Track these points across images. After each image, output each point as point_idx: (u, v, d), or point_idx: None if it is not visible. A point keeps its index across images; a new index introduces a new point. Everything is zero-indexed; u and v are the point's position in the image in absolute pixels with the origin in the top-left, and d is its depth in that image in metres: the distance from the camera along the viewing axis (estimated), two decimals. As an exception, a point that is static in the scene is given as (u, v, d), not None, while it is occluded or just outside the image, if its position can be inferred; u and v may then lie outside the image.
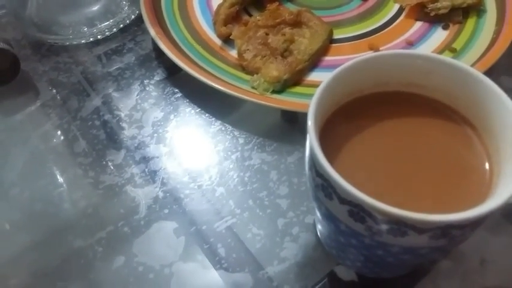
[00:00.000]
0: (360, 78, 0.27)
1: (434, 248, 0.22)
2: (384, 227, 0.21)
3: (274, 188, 0.35)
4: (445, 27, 0.44)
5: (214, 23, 0.44)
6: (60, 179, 0.36)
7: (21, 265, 0.32)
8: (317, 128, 0.24)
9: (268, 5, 0.44)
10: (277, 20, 0.42)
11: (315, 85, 0.39)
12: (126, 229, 0.33)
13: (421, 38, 0.43)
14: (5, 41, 0.41)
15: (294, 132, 0.39)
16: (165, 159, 0.37)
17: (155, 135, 0.38)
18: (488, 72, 0.37)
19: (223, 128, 0.39)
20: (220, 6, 0.45)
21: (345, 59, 0.26)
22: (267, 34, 0.42)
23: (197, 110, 0.40)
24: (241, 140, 0.38)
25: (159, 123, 0.39)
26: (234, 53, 0.42)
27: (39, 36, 0.46)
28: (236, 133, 0.38)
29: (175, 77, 0.43)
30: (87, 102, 0.41)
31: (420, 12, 0.44)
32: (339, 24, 0.45)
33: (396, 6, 0.46)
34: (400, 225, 0.21)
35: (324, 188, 0.23)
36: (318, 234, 0.32)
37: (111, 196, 0.35)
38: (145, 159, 0.37)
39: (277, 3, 0.44)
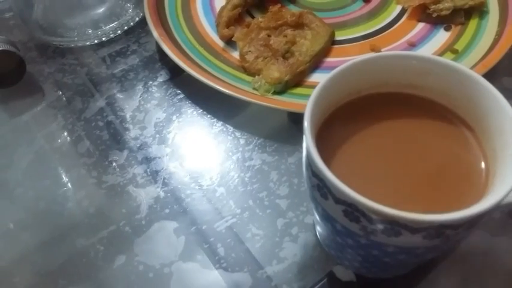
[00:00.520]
0: (357, 79, 0.27)
1: (430, 248, 0.23)
2: (378, 226, 0.21)
3: (274, 188, 0.35)
4: (447, 29, 0.44)
5: (217, 25, 0.45)
6: (64, 179, 0.37)
7: (25, 263, 0.33)
8: (313, 129, 0.24)
9: (270, 7, 0.44)
10: (279, 22, 0.43)
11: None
12: (127, 228, 0.33)
13: (423, 39, 0.43)
14: (11, 43, 0.42)
15: (295, 133, 0.39)
16: (167, 160, 0.37)
17: (157, 136, 0.39)
18: (490, 73, 0.37)
19: (224, 129, 0.39)
20: (222, 8, 0.45)
21: (346, 61, 0.26)
22: (268, 36, 0.42)
23: (199, 111, 0.40)
24: (242, 141, 0.38)
25: (161, 124, 0.40)
26: (236, 54, 0.43)
27: (45, 39, 0.47)
28: (237, 134, 0.38)
29: (178, 78, 0.43)
30: (92, 103, 0.42)
31: (422, 14, 0.44)
32: (341, 25, 0.45)
33: (398, 8, 0.46)
34: (393, 225, 0.21)
35: (320, 187, 0.23)
36: (317, 234, 0.32)
37: (113, 196, 0.35)
38: (148, 160, 0.37)
39: (279, 5, 0.44)
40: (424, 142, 0.27)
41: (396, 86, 0.28)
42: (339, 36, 0.44)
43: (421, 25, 0.44)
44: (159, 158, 0.37)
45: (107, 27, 0.47)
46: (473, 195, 0.24)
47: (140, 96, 0.42)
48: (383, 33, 0.44)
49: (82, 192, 0.36)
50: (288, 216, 0.33)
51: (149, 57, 0.45)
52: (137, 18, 0.48)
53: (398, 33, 0.44)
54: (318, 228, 0.30)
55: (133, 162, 0.37)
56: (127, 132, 0.39)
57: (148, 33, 0.46)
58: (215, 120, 0.40)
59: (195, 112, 0.40)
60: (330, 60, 0.42)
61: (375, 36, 0.44)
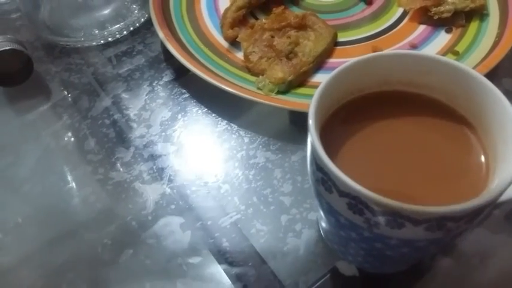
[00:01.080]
0: (360, 78, 0.28)
1: (431, 241, 0.23)
2: (381, 218, 0.22)
3: (278, 185, 0.36)
4: (448, 31, 0.44)
5: (222, 26, 0.45)
6: (71, 176, 0.38)
7: (32, 258, 0.33)
8: (318, 125, 0.25)
9: (274, 9, 0.45)
10: (283, 23, 0.43)
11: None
12: (134, 224, 0.34)
13: (425, 41, 0.44)
14: (19, 42, 0.43)
15: (298, 132, 0.40)
16: (173, 157, 0.38)
17: (163, 134, 0.39)
18: (490, 75, 0.38)
19: (229, 128, 0.40)
20: (227, 9, 0.46)
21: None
22: (272, 37, 0.43)
23: (204, 110, 0.41)
24: (246, 139, 0.39)
25: (167, 123, 0.40)
26: (240, 55, 0.44)
27: (52, 39, 0.48)
28: (241, 132, 0.39)
29: (183, 78, 0.44)
30: (98, 102, 0.42)
31: (424, 16, 0.45)
32: (343, 27, 0.46)
33: (400, 10, 0.47)
34: (396, 217, 0.21)
35: (324, 181, 0.23)
36: (321, 230, 0.32)
37: (119, 192, 0.36)
38: (153, 157, 0.38)
39: (282, 7, 0.45)
40: (425, 138, 0.27)
41: (398, 85, 0.29)
42: (342, 37, 0.45)
43: (422, 27, 0.45)
44: (165, 155, 0.38)
45: (113, 27, 0.48)
46: (473, 190, 0.24)
47: (146, 96, 0.42)
48: (385, 35, 0.45)
49: (89, 188, 0.36)
50: (292, 213, 0.34)
51: (154, 57, 0.46)
52: (143, 19, 0.49)
53: (400, 35, 0.45)
54: (322, 224, 0.31)
55: (139, 159, 0.38)
56: (133, 130, 0.40)
57: (154, 34, 0.47)
58: (220, 119, 0.40)
59: (200, 111, 0.41)
60: (332, 61, 0.43)
61: (376, 38, 0.45)
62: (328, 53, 0.43)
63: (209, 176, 0.36)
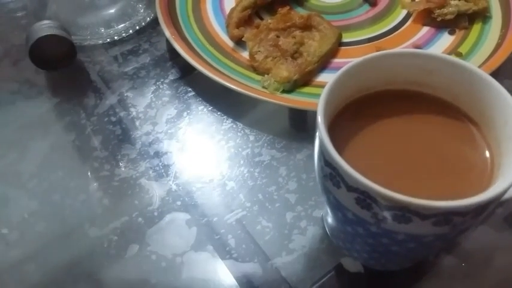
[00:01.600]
0: (366, 76, 0.28)
1: (438, 236, 0.24)
2: (389, 213, 0.22)
3: (283, 183, 0.36)
4: (451, 33, 0.45)
5: (227, 26, 0.46)
6: (77, 172, 0.38)
7: (39, 253, 0.34)
8: (326, 122, 0.25)
9: (279, 9, 0.45)
10: (288, 24, 0.44)
11: (324, 86, 0.39)
12: (140, 219, 0.34)
13: (428, 42, 0.44)
14: (63, 28, 0.44)
15: (303, 131, 0.40)
16: (178, 154, 0.38)
17: (169, 131, 0.40)
18: (493, 76, 0.38)
19: (234, 126, 0.40)
20: (233, 9, 0.47)
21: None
22: (277, 36, 0.43)
23: (209, 109, 0.41)
24: (251, 137, 0.39)
25: (172, 121, 0.41)
26: (245, 54, 0.44)
27: (58, 37, 0.48)
28: (247, 131, 0.39)
29: (188, 77, 0.44)
30: (104, 99, 0.43)
31: (427, 18, 0.46)
32: (348, 28, 0.46)
33: (404, 12, 0.48)
34: (404, 211, 0.22)
35: (332, 176, 0.24)
36: (326, 227, 0.33)
37: (126, 188, 0.36)
38: (159, 154, 0.38)
39: (288, 8, 0.45)
40: (430, 136, 0.28)
41: (403, 83, 0.29)
42: (346, 38, 0.45)
43: (425, 29, 0.45)
44: (171, 152, 0.38)
45: (119, 26, 0.48)
46: (478, 186, 0.25)
47: (152, 94, 0.43)
48: (389, 36, 0.45)
49: (95, 184, 0.37)
50: (297, 210, 0.34)
51: (160, 56, 0.46)
52: (148, 19, 0.49)
53: (404, 37, 0.45)
54: (328, 220, 0.31)
55: (145, 156, 0.38)
56: (139, 128, 0.40)
57: (160, 33, 0.47)
58: (225, 117, 0.41)
59: (205, 109, 0.41)
60: (337, 61, 0.43)
61: (380, 39, 0.45)
62: (332, 53, 0.43)
63: (214, 173, 0.37)
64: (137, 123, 0.41)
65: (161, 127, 0.40)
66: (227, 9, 0.48)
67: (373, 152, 0.27)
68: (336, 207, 0.26)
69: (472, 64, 0.37)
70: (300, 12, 0.47)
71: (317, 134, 0.25)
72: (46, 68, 0.44)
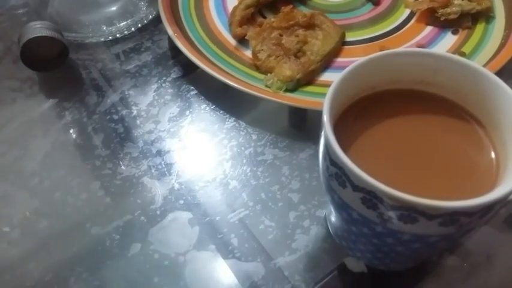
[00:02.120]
0: (372, 76, 0.28)
1: (443, 236, 0.23)
2: (395, 213, 0.22)
3: (286, 182, 0.36)
4: (454, 32, 0.45)
5: (230, 24, 0.46)
6: (79, 170, 0.38)
7: (41, 251, 0.33)
8: (331, 121, 0.25)
9: (282, 8, 0.45)
10: (291, 22, 0.44)
11: (327, 85, 0.40)
12: (142, 218, 0.34)
13: (432, 41, 0.44)
14: (56, 30, 0.43)
15: (306, 131, 0.40)
16: (181, 153, 0.38)
17: (171, 130, 0.40)
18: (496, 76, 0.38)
19: (237, 125, 0.40)
20: (235, 8, 0.46)
21: (356, 61, 0.27)
22: (280, 35, 0.43)
23: (212, 107, 0.41)
24: (254, 136, 0.39)
25: (175, 119, 0.40)
26: (248, 53, 0.44)
27: (60, 34, 0.48)
28: (249, 130, 0.39)
29: (191, 75, 0.44)
30: (106, 97, 0.42)
31: (430, 17, 0.46)
32: (351, 27, 0.46)
33: (407, 11, 0.47)
34: (410, 212, 0.22)
35: (338, 176, 0.24)
36: (329, 227, 0.33)
37: (128, 187, 0.36)
38: (162, 153, 0.38)
39: (291, 6, 0.45)
40: (436, 136, 0.27)
41: (409, 83, 0.29)
42: (349, 37, 0.45)
43: (429, 28, 0.45)
44: (173, 151, 0.38)
45: (121, 24, 0.48)
46: (484, 187, 0.24)
47: (154, 92, 0.43)
48: (392, 36, 0.45)
49: (97, 182, 0.37)
50: (300, 210, 0.34)
51: (162, 54, 0.46)
52: (150, 16, 0.49)
53: (407, 36, 0.45)
54: (331, 220, 0.31)
55: (148, 154, 0.38)
56: (141, 126, 0.40)
57: (162, 31, 0.47)
58: (227, 116, 0.40)
59: (207, 108, 0.41)
60: (340, 60, 0.43)
61: (384, 38, 0.45)
62: (336, 52, 0.43)
63: (217, 172, 0.37)
64: (139, 121, 0.40)
65: (163, 125, 0.40)
66: (230, 8, 0.48)
67: (377, 151, 0.27)
68: (341, 206, 0.25)
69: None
70: (303, 10, 0.47)
71: (322, 133, 0.25)
72: (39, 69, 0.44)
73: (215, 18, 0.47)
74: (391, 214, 0.22)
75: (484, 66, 0.40)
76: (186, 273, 0.32)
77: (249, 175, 0.36)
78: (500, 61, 0.40)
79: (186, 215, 0.34)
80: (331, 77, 0.41)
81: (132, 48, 0.47)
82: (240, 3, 0.47)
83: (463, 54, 0.42)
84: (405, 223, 0.22)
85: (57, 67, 0.44)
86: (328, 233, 0.33)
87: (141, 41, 0.47)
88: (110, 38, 0.47)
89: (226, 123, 0.40)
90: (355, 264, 0.31)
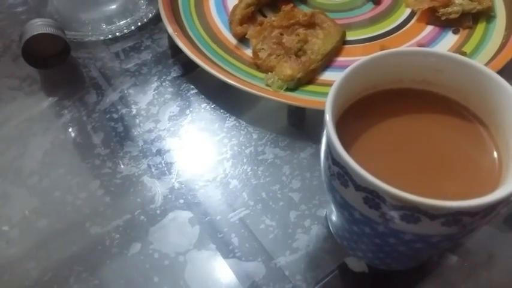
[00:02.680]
0: (374, 75, 0.28)
1: (446, 236, 0.23)
2: (398, 213, 0.22)
3: (286, 181, 0.36)
4: (455, 32, 0.45)
5: (230, 23, 0.45)
6: (79, 169, 0.38)
7: (40, 250, 0.33)
8: (334, 120, 0.25)
9: (282, 7, 0.45)
10: (292, 21, 0.43)
11: (328, 84, 0.40)
12: (142, 217, 0.34)
13: (432, 41, 0.44)
14: (57, 27, 0.43)
15: (305, 130, 0.40)
16: (181, 152, 0.38)
17: (171, 129, 0.39)
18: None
19: (237, 124, 0.40)
20: (236, 6, 0.46)
21: (357, 60, 0.27)
22: (281, 34, 0.43)
23: (212, 106, 0.41)
24: (254, 136, 0.39)
25: (175, 118, 0.40)
26: (248, 51, 0.44)
27: (59, 32, 0.47)
28: (250, 129, 0.39)
29: (191, 74, 0.44)
30: (105, 96, 0.42)
31: (431, 17, 0.45)
32: (352, 26, 0.46)
33: (408, 11, 0.47)
34: (413, 211, 0.21)
35: (340, 175, 0.24)
36: (330, 226, 0.33)
37: (128, 186, 0.36)
38: (162, 152, 0.38)
39: (291, 5, 0.45)
40: (438, 136, 0.27)
41: (411, 82, 0.29)
42: (350, 36, 0.45)
43: (429, 28, 0.45)
44: (173, 150, 0.38)
45: (121, 22, 0.48)
46: (487, 187, 0.24)
47: (154, 91, 0.42)
48: (393, 35, 0.45)
49: (97, 181, 0.36)
50: (301, 209, 0.34)
51: (162, 53, 0.46)
52: (150, 15, 0.49)
53: (408, 35, 0.45)
54: (333, 219, 0.31)
55: (147, 153, 0.38)
56: (141, 125, 0.40)
57: (162, 29, 0.47)
58: (228, 115, 0.40)
59: (208, 107, 0.41)
60: (341, 59, 0.43)
61: (384, 37, 0.45)
62: (336, 51, 0.43)
63: (218, 171, 0.36)
64: (139, 120, 0.40)
65: (163, 124, 0.40)
66: (230, 6, 0.47)
67: (379, 151, 0.27)
68: (343, 206, 0.25)
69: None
70: (304, 9, 0.47)
71: (324, 132, 0.25)
72: (40, 66, 0.44)
73: (215, 16, 0.47)
74: (394, 214, 0.22)
75: (485, 65, 0.40)
76: (186, 273, 0.31)
77: (250, 174, 0.36)
78: (501, 61, 0.40)
79: (186, 215, 0.34)
80: (332, 76, 0.41)
81: (132, 46, 0.46)
82: (240, 1, 0.46)
83: (463, 54, 0.42)
84: (408, 223, 0.22)
85: (58, 65, 0.44)
86: (329, 233, 0.33)
87: (141, 39, 0.47)
88: (110, 36, 0.47)
89: (227, 122, 0.40)
90: (356, 264, 0.31)
